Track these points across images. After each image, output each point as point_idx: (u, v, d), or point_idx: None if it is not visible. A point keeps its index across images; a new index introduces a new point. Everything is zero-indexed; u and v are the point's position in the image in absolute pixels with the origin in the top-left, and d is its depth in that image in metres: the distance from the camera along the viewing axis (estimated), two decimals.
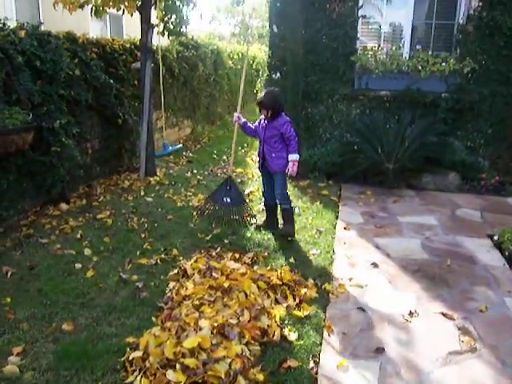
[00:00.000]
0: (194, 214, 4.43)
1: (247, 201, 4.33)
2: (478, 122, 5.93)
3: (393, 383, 2.32)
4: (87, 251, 3.66)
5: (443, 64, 5.79)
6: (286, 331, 2.65)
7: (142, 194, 5.18)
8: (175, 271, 3.27)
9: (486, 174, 5.74)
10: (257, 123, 4.08)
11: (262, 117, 3.99)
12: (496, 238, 4.05)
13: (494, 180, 5.63)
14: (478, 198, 5.41)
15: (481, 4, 5.67)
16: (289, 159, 3.86)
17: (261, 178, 4.30)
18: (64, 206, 4.61)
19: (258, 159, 4.18)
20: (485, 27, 5.69)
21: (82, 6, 5.35)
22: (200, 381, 2.15)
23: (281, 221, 4.16)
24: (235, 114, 4.11)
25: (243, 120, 4.12)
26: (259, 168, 4.19)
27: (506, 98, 5.73)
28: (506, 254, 3.77)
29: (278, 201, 4.08)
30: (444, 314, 2.93)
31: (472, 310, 2.99)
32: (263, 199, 4.30)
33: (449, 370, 2.42)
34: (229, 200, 4.08)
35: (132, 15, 5.49)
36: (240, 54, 11.69)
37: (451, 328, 2.80)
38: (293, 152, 3.85)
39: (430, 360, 2.49)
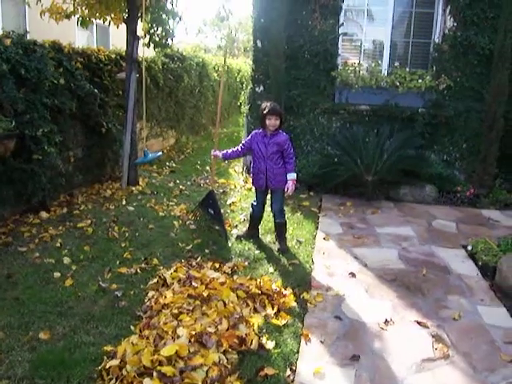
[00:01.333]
0: (190, 217, 4.66)
1: (224, 218, 4.41)
2: (453, 136, 6.13)
3: None
4: (66, 260, 3.64)
5: (420, 81, 6.00)
6: (263, 339, 2.68)
7: (124, 203, 5.17)
8: (155, 280, 3.27)
9: (462, 186, 5.90)
10: (247, 140, 4.03)
11: (258, 132, 3.97)
12: (470, 248, 4.16)
13: (469, 192, 5.78)
14: (453, 209, 5.56)
15: (455, 24, 5.90)
16: (288, 178, 3.88)
17: (255, 193, 4.26)
18: (44, 214, 4.57)
19: (254, 176, 4.07)
20: (459, 46, 5.91)
21: (68, 17, 5.39)
22: None
23: (262, 231, 4.22)
24: (212, 152, 4.16)
25: (221, 154, 4.14)
26: (259, 185, 4.05)
27: (479, 114, 5.92)
28: (480, 264, 3.87)
29: (275, 216, 4.10)
30: (419, 322, 2.99)
31: (446, 318, 3.06)
32: (250, 210, 4.26)
33: (422, 377, 2.47)
34: (212, 212, 4.29)
35: (118, 27, 5.54)
36: (226, 67, 11.83)
37: (425, 336, 2.86)
38: (291, 171, 3.90)
39: (404, 367, 2.54)
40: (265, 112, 3.86)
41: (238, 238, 4.20)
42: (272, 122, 3.85)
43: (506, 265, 3.51)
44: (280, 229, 4.12)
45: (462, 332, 2.92)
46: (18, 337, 2.64)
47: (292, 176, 3.90)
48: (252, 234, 4.24)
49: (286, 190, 3.91)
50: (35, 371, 2.37)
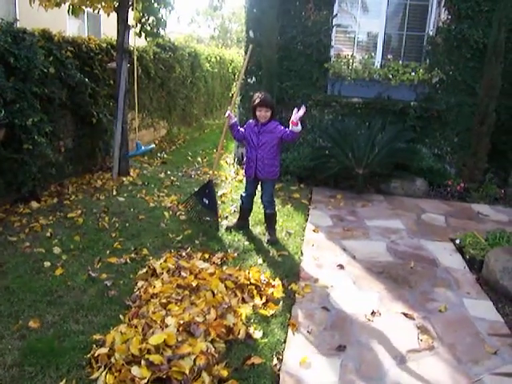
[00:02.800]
0: (182, 207, 4.64)
1: (219, 210, 4.41)
2: (445, 130, 6.17)
3: (352, 379, 2.40)
4: (56, 250, 3.64)
5: (413, 74, 6.00)
6: (251, 329, 2.71)
7: (115, 193, 5.16)
8: (144, 270, 3.29)
9: (452, 180, 5.94)
10: (244, 129, 4.02)
11: (251, 122, 3.97)
12: (458, 242, 4.20)
13: (459, 186, 5.83)
14: (443, 203, 5.61)
15: (450, 17, 5.90)
16: (292, 122, 3.71)
17: (244, 183, 4.24)
18: (35, 204, 4.56)
19: (245, 165, 4.07)
20: (453, 39, 5.92)
21: (58, 4, 5.32)
22: (164, 376, 2.19)
23: (252, 222, 4.23)
24: (228, 112, 4.01)
25: (234, 120, 4.04)
26: (249, 174, 4.04)
27: (471, 108, 5.96)
28: (467, 257, 3.91)
29: (265, 207, 4.11)
30: (405, 314, 3.03)
31: (432, 310, 3.10)
32: (239, 202, 4.29)
33: (407, 368, 2.51)
34: (207, 202, 4.29)
35: (109, 15, 5.48)
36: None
37: (411, 327, 2.90)
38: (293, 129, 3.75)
39: (389, 357, 2.58)
40: (255, 104, 3.83)
41: (228, 228, 4.21)
42: (262, 114, 3.82)
43: (493, 258, 3.55)
44: (270, 220, 4.14)
45: (448, 324, 2.96)
46: (8, 325, 2.66)
47: (292, 124, 3.73)
48: (242, 225, 4.26)
49: (293, 118, 3.69)
50: (25, 359, 2.38)
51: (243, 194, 4.22)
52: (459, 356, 2.63)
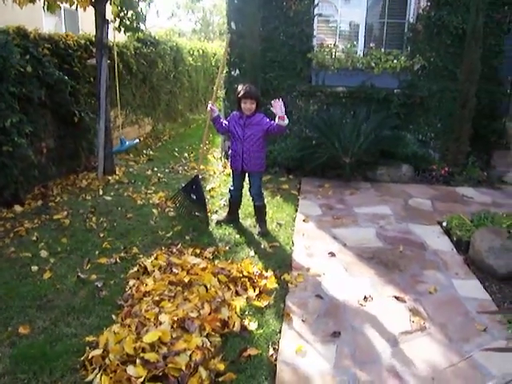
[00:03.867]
0: (170, 203, 4.60)
1: (207, 204, 4.38)
2: (428, 116, 6.23)
3: (348, 364, 2.43)
4: (44, 253, 3.58)
5: (395, 61, 6.04)
6: (246, 321, 2.71)
7: (101, 193, 5.09)
8: (135, 269, 3.25)
9: (437, 165, 6.02)
10: (227, 121, 3.97)
11: (235, 114, 3.91)
12: (445, 224, 4.27)
13: (444, 171, 5.90)
14: (429, 188, 5.68)
15: (429, 4, 5.94)
16: (277, 116, 3.64)
17: (231, 176, 4.19)
18: (18, 207, 4.47)
19: (231, 158, 4.01)
20: (433, 26, 5.96)
21: (33, 1, 5.17)
22: (161, 374, 2.18)
23: (242, 215, 4.22)
24: (209, 105, 3.92)
25: (217, 113, 3.96)
26: (235, 167, 4.00)
27: (453, 94, 6.01)
28: (454, 239, 3.98)
29: (254, 199, 4.10)
30: (396, 297, 3.08)
31: (422, 293, 3.16)
32: (228, 196, 4.26)
33: (400, 349, 2.55)
34: (194, 197, 4.25)
35: (85, 10, 5.35)
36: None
37: (403, 310, 2.95)
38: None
39: (382, 340, 2.62)
40: (239, 95, 3.77)
41: (218, 223, 4.20)
42: (247, 106, 3.77)
43: (479, 239, 3.62)
44: (259, 212, 4.13)
45: (438, 305, 3.02)
46: None
47: (276, 117, 3.67)
48: (232, 218, 4.24)
49: (275, 111, 3.63)
50: (16, 366, 2.34)
51: (231, 188, 4.18)
52: (450, 335, 2.70)
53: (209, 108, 3.93)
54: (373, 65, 6.07)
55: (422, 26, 6.00)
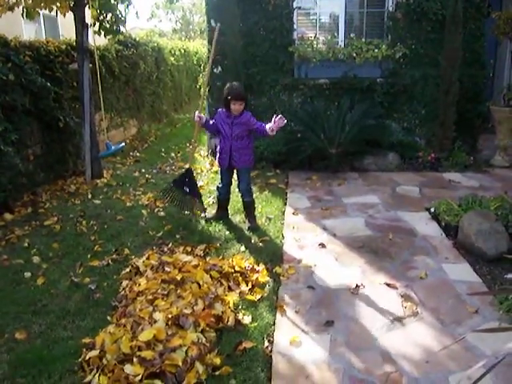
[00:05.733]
0: (160, 203, 4.52)
1: (200, 194, 4.29)
2: (412, 103, 6.29)
3: (343, 352, 2.47)
4: (36, 259, 3.58)
5: (376, 50, 6.08)
6: (240, 316, 2.74)
7: (90, 196, 5.08)
8: (128, 270, 3.27)
9: (423, 152, 6.07)
10: (214, 120, 3.98)
11: (222, 112, 3.90)
12: (433, 210, 4.32)
13: (430, 157, 5.96)
14: (416, 175, 5.74)
15: None
16: (269, 127, 3.70)
17: (219, 174, 4.22)
18: (8, 215, 4.45)
19: (219, 156, 4.03)
20: (412, 13, 6.00)
21: (11, 9, 5.15)
22: (158, 371, 2.20)
23: (231, 211, 4.24)
24: (196, 114, 3.95)
25: (204, 119, 3.97)
26: (223, 164, 4.03)
27: (435, 80, 6.07)
28: (443, 224, 4.02)
29: (243, 195, 4.12)
30: (388, 284, 3.12)
31: (413, 278, 3.20)
32: (216, 193, 4.28)
33: (394, 335, 2.59)
34: (187, 190, 4.18)
35: (65, 15, 5.33)
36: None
37: (395, 296, 2.98)
38: (264, 125, 3.78)
39: (376, 327, 2.66)
40: (229, 97, 3.77)
41: (208, 220, 4.22)
42: (237, 107, 3.79)
43: (467, 223, 3.67)
44: (249, 207, 4.16)
45: (429, 289, 3.06)
46: None
47: (269, 125, 3.72)
48: (221, 215, 4.27)
49: (272, 127, 3.68)
50: (15, 371, 2.35)
51: (219, 185, 4.20)
52: (443, 318, 2.74)
53: (196, 118, 3.94)
54: (354, 55, 6.11)
55: (402, 14, 6.04)
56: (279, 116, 3.66)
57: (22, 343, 2.58)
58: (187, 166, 4.37)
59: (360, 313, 2.82)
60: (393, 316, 2.77)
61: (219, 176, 4.25)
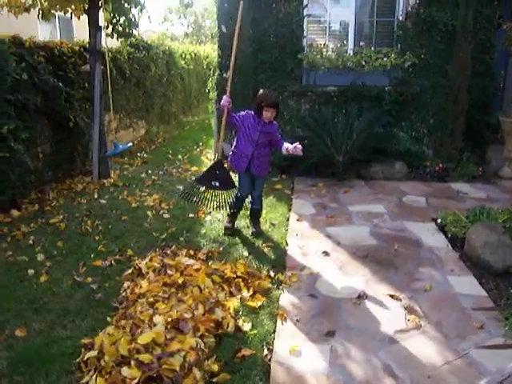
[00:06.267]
0: (180, 197, 4.00)
1: (234, 186, 3.81)
2: (420, 112, 6.26)
3: (343, 363, 2.43)
4: (40, 257, 3.60)
5: (385, 59, 6.08)
6: (240, 322, 2.73)
7: (96, 196, 5.11)
8: (130, 271, 3.27)
9: (430, 161, 6.01)
10: (239, 117, 3.76)
11: (251, 115, 3.74)
12: (439, 221, 4.26)
13: (438, 167, 5.90)
14: (423, 184, 5.68)
15: (418, 1, 5.99)
16: (286, 147, 3.75)
17: (238, 181, 3.96)
18: (15, 212, 4.48)
19: (236, 158, 3.85)
20: (422, 23, 6.01)
21: (28, 10, 5.22)
22: (155, 375, 2.19)
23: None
24: (225, 97, 3.61)
25: (230, 106, 3.65)
26: (241, 168, 3.86)
27: (444, 89, 6.04)
28: (449, 235, 3.97)
29: (254, 202, 4.03)
30: (391, 296, 3.07)
31: (417, 290, 3.15)
32: (233, 202, 3.77)
33: (396, 348, 2.55)
34: (217, 184, 3.76)
35: (79, 18, 5.40)
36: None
37: (398, 308, 2.94)
38: (283, 142, 3.82)
39: (378, 339, 2.62)
40: (263, 104, 3.64)
41: (228, 230, 4.06)
42: (269, 115, 3.68)
43: (474, 234, 3.61)
44: (256, 214, 4.13)
45: (434, 302, 3.01)
46: None
47: (288, 145, 3.77)
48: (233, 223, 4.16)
49: (289, 150, 3.72)
50: (13, 369, 2.36)
51: (239, 195, 3.86)
52: (446, 332, 2.68)
53: (225, 101, 3.59)
54: (363, 63, 6.11)
55: (412, 24, 6.04)
56: (300, 146, 3.69)
57: (21, 340, 2.59)
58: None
59: (362, 324, 2.78)
60: (395, 328, 2.72)
61: (238, 184, 3.95)
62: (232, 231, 4.08)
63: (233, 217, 4.13)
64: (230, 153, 3.98)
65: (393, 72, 6.16)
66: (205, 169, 4.10)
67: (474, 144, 6.10)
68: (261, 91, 3.81)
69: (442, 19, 5.90)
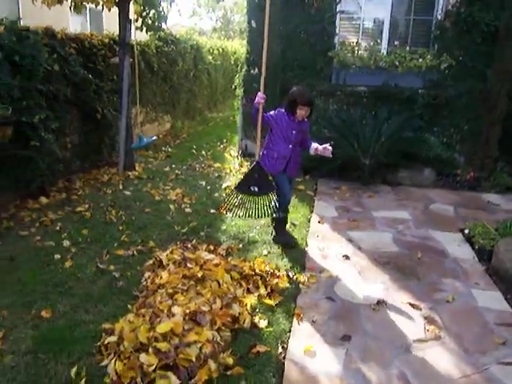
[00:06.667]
0: (221, 210, 3.63)
1: (274, 190, 3.51)
2: (454, 118, 6.00)
3: (357, 368, 2.40)
4: (66, 243, 3.71)
5: (420, 60, 5.87)
6: (256, 319, 2.73)
7: (121, 187, 5.21)
8: (151, 262, 3.32)
9: (462, 169, 5.83)
10: (271, 116, 3.60)
11: (284, 113, 3.59)
12: (467, 232, 4.13)
13: (469, 176, 5.71)
14: (452, 193, 5.52)
15: (459, 0, 5.73)
16: (315, 147, 3.68)
17: (280, 185, 3.69)
18: (44, 199, 4.63)
19: (271, 160, 3.65)
20: (463, 23, 5.74)
21: (60, 1, 5.34)
22: (171, 364, 2.22)
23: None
24: (259, 94, 3.40)
25: (261, 104, 3.42)
26: (278, 169, 3.67)
27: (482, 95, 5.76)
28: (476, 247, 3.85)
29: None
30: (411, 304, 3.01)
31: (439, 301, 3.07)
32: (276, 213, 3.49)
33: (413, 357, 2.50)
34: (256, 189, 3.49)
35: (110, 10, 5.49)
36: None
37: (417, 317, 2.88)
38: (311, 141, 3.73)
39: (394, 347, 2.57)
40: (298, 101, 3.50)
41: (291, 241, 3.85)
42: (303, 113, 3.55)
43: (503, 248, 3.49)
44: (285, 220, 3.92)
45: (455, 314, 2.93)
46: (21, 315, 2.73)
47: (316, 145, 3.69)
48: (291, 237, 3.92)
49: (318, 150, 3.65)
50: (38, 347, 2.46)
51: (284, 200, 3.66)
52: (466, 346, 2.61)
53: (260, 98, 3.37)
54: (397, 63, 5.93)
55: (451, 23, 5.78)
56: (330, 148, 3.61)
57: (46, 321, 2.69)
58: (258, 156, 3.59)
59: (379, 330, 2.73)
60: (414, 337, 2.67)
61: (279, 187, 3.67)
62: (293, 239, 3.87)
63: (282, 223, 3.88)
64: (261, 154, 3.72)
65: (428, 74, 5.94)
66: (230, 165, 4.06)
67: (510, 153, 5.83)
68: (294, 88, 3.65)
69: (484, 19, 5.61)
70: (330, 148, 3.64)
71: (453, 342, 2.65)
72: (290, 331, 2.69)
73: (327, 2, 5.97)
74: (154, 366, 2.19)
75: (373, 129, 5.58)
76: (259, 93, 3.41)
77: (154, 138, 6.13)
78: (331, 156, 3.68)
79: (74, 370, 2.27)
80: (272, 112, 3.65)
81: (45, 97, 4.55)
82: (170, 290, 2.79)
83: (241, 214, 3.48)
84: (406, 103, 5.96)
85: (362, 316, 2.88)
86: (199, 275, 2.97)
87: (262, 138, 3.54)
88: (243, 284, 3.03)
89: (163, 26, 6.03)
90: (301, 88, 3.70)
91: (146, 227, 4.10)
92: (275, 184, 3.61)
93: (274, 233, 3.96)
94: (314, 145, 3.71)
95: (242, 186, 3.52)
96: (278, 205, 3.45)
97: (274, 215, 3.51)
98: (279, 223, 3.89)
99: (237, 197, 3.49)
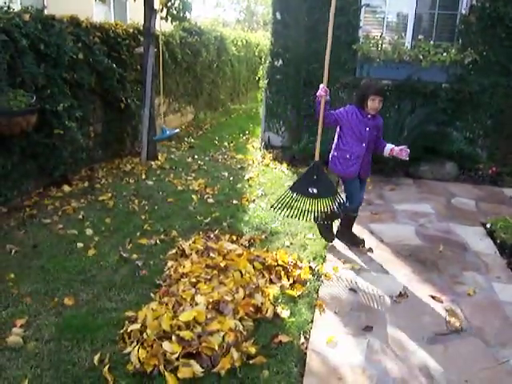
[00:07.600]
0: (273, 210, 3.40)
1: (335, 191, 3.34)
2: (477, 112, 5.97)
3: (379, 359, 2.41)
4: (89, 231, 3.76)
5: (444, 54, 5.82)
6: (278, 309, 2.74)
7: (143, 177, 5.27)
8: (174, 251, 3.36)
9: (484, 164, 5.80)
10: (341, 113, 3.37)
11: (354, 109, 3.34)
12: (489, 226, 4.11)
13: (491, 171, 5.68)
14: (474, 187, 5.49)
15: None
16: (391, 147, 3.47)
17: (349, 188, 3.58)
18: (66, 187, 4.69)
19: (344, 162, 3.45)
20: (487, 18, 5.70)
21: None
22: (194, 352, 2.25)
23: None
24: (322, 86, 3.16)
25: (328, 97, 3.22)
26: (353, 172, 3.45)
27: (506, 90, 5.75)
28: (498, 241, 3.83)
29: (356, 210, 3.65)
30: (433, 297, 3.01)
31: (460, 294, 3.07)
32: (341, 213, 3.45)
33: (434, 349, 2.51)
34: (315, 191, 3.29)
35: (135, 0, 5.52)
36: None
37: (439, 310, 2.88)
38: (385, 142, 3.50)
39: (416, 339, 2.58)
40: (369, 92, 3.25)
41: (359, 243, 3.71)
42: (375, 105, 3.27)
43: None
44: (354, 220, 3.70)
45: (476, 307, 2.93)
46: (44, 302, 2.77)
47: (392, 146, 3.47)
48: (359, 238, 3.74)
49: (394, 152, 3.41)
50: (61, 334, 2.49)
51: (350, 205, 3.51)
52: (487, 339, 2.62)
53: (322, 91, 3.17)
54: (421, 57, 5.87)
55: (476, 18, 5.73)
56: (407, 150, 3.38)
57: (69, 309, 2.72)
58: (317, 155, 3.34)
59: (401, 322, 2.73)
60: (435, 329, 2.67)
61: (349, 191, 3.55)
62: (360, 239, 3.72)
63: (350, 222, 3.69)
64: (331, 156, 3.53)
65: (451, 68, 5.89)
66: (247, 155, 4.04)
67: None
68: (363, 81, 3.49)
69: (509, 15, 5.57)
70: (408, 150, 3.38)
71: (474, 334, 2.66)
72: (312, 322, 2.71)
73: None
74: (177, 354, 2.22)
75: (395, 122, 5.54)
76: (321, 85, 3.18)
77: (177, 130, 6.18)
78: (407, 159, 3.40)
79: (96, 357, 2.28)
80: (341, 108, 3.40)
81: (69, 85, 4.59)
82: (193, 279, 2.83)
83: (294, 215, 3.30)
84: (429, 97, 5.91)
85: (383, 307, 2.89)
86: (222, 265, 3.00)
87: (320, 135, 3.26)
88: (266, 274, 3.05)
89: (188, 15, 6.02)
90: (369, 80, 3.57)
91: (168, 217, 4.13)
92: (344, 189, 3.50)
93: (337, 229, 3.76)
94: (390, 145, 3.46)
95: (299, 187, 3.31)
96: (344, 207, 3.34)
97: (339, 215, 3.41)
98: (347, 221, 3.67)
99: (291, 197, 3.30)
